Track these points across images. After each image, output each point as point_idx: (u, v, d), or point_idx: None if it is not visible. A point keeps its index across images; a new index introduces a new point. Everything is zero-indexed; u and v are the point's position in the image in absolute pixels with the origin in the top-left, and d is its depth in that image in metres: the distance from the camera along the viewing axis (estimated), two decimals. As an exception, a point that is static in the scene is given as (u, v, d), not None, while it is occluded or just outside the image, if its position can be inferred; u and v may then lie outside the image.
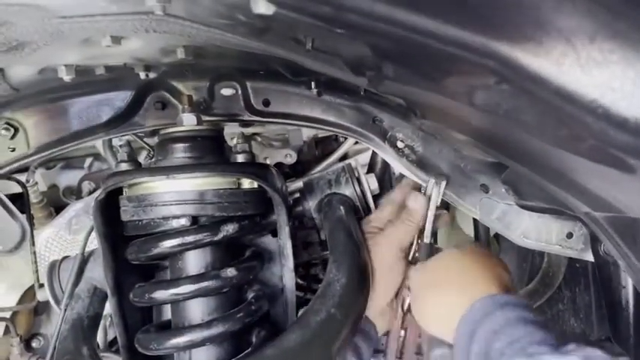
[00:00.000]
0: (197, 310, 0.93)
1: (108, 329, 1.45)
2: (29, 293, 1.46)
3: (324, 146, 1.56)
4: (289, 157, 1.42)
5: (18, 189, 1.30)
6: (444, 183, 1.10)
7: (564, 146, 0.56)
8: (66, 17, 0.70)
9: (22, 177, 1.34)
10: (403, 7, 0.41)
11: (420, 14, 0.41)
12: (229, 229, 0.91)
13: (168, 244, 0.89)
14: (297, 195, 1.20)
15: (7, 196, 1.20)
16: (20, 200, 1.33)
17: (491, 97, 0.52)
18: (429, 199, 1.09)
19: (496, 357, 0.70)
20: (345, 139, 1.49)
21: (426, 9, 0.40)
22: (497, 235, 1.64)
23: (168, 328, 0.97)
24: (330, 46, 0.67)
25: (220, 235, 0.90)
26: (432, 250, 1.08)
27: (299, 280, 1.52)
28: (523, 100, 0.48)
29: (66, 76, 0.95)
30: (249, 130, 1.40)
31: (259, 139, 1.46)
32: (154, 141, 1.41)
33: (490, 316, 0.74)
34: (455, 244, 1.06)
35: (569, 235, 1.15)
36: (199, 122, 0.98)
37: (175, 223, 0.90)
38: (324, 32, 0.56)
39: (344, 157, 1.54)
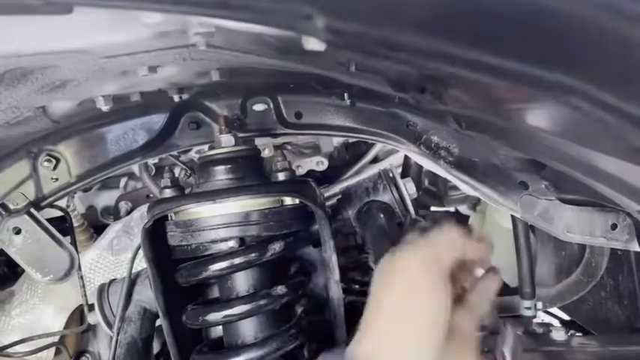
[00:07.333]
0: (249, 328, 0.94)
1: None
2: (76, 314, 1.49)
3: (354, 150, 1.56)
4: (321, 165, 1.42)
5: (56, 213, 1.32)
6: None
7: (624, 158, 0.55)
8: (110, 57, 0.71)
9: (62, 202, 1.36)
10: (463, 43, 0.40)
11: (482, 51, 0.40)
12: (276, 247, 0.92)
13: (218, 267, 0.90)
14: (333, 202, 1.20)
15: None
16: (58, 221, 1.36)
17: (547, 117, 0.52)
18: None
19: None
20: (375, 142, 1.48)
21: (490, 46, 0.40)
22: (532, 226, 1.61)
23: (221, 347, 0.98)
24: (374, 67, 0.67)
25: (268, 254, 0.91)
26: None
27: (337, 284, 1.53)
28: (585, 121, 0.48)
29: (104, 107, 0.96)
30: (279, 141, 1.41)
31: (290, 147, 1.46)
32: (187, 157, 1.43)
33: None
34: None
35: (614, 227, 1.13)
36: (237, 142, 0.98)
37: (224, 246, 0.91)
38: (371, 61, 0.56)
39: (374, 159, 1.53)
